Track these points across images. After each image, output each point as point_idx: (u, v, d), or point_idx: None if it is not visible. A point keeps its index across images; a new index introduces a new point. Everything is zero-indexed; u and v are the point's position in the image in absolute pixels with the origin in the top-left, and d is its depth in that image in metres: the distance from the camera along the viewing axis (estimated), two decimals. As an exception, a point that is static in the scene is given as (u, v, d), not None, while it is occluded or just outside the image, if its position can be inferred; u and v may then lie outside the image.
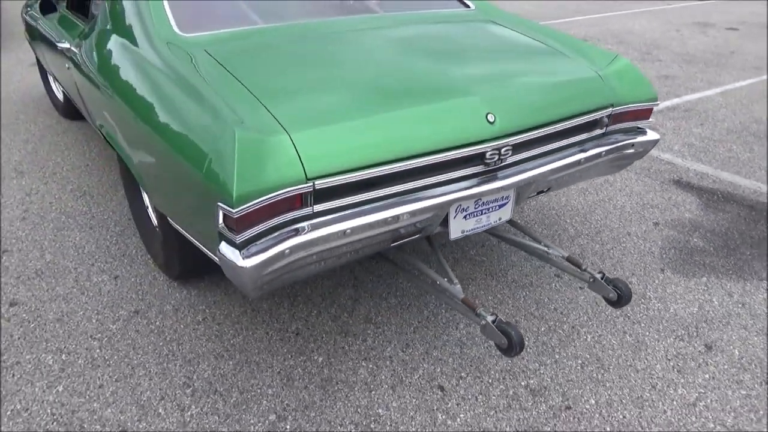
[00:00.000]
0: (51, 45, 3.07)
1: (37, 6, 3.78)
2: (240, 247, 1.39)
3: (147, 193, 1.92)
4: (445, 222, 1.80)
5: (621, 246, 2.68)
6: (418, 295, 2.31)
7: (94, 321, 2.16)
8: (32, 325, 2.13)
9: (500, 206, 1.91)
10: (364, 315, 2.20)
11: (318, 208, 1.50)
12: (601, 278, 1.93)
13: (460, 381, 1.90)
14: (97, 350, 2.02)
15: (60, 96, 4.31)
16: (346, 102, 1.61)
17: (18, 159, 3.61)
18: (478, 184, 1.74)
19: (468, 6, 2.59)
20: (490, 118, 1.72)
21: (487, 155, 1.72)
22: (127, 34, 2.02)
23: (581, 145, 2.02)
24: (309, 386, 1.87)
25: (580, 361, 1.99)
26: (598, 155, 2.02)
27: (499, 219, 1.93)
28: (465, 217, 1.83)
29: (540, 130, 1.83)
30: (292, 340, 2.07)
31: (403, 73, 1.82)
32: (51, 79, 4.39)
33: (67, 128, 4.14)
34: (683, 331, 2.14)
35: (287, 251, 1.42)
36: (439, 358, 1.99)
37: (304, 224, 1.47)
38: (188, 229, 1.72)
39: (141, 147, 1.80)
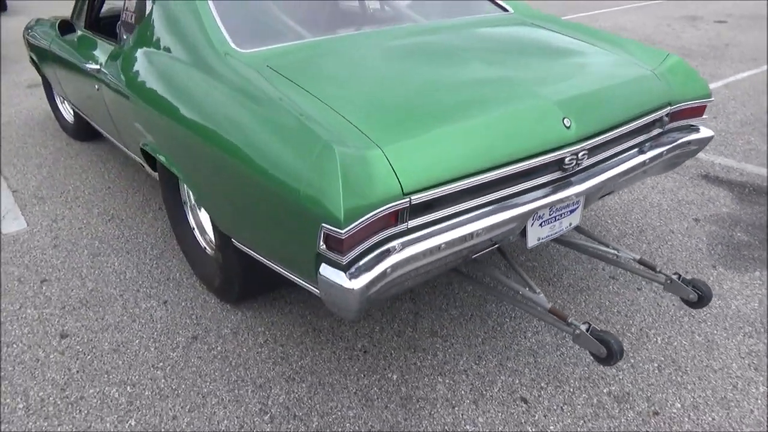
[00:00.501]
0: (72, 66, 3.00)
1: (46, 26, 3.69)
2: (345, 268, 1.35)
3: (214, 217, 1.86)
4: (522, 230, 1.77)
5: (668, 244, 2.68)
6: (477, 305, 2.28)
7: (152, 349, 2.09)
8: (88, 357, 2.06)
9: (571, 211, 1.89)
10: (428, 328, 2.16)
11: (412, 223, 1.46)
12: (679, 279, 1.91)
13: (542, 392, 1.87)
14: (162, 380, 1.95)
15: (70, 117, 4.22)
16: (426, 112, 1.58)
17: (35, 184, 3.51)
18: (558, 190, 1.72)
19: (506, 9, 2.58)
20: (567, 122, 1.70)
21: (566, 160, 1.70)
22: (178, 51, 1.96)
23: (643, 146, 2.01)
24: (389, 405, 1.83)
25: (656, 364, 1.97)
26: (660, 155, 2.01)
27: (570, 224, 1.91)
28: (541, 224, 1.80)
29: (610, 133, 1.82)
30: (361, 358, 2.02)
31: (471, 80, 1.79)
32: (59, 100, 4.29)
33: (80, 150, 4.04)
34: (750, 328, 2.13)
35: (389, 270, 1.38)
36: (514, 369, 1.96)
37: (398, 241, 1.43)
38: (266, 252, 1.67)
39: (207, 169, 1.75)
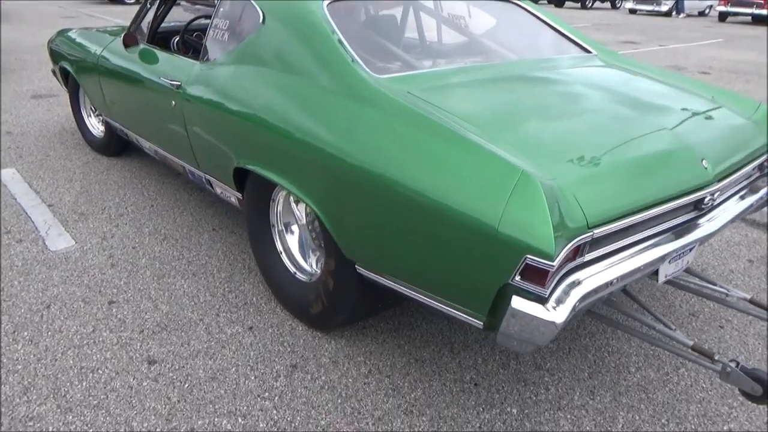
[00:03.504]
0: (134, 81, 2.91)
1: (89, 38, 3.58)
2: (544, 300, 1.33)
3: (344, 243, 1.80)
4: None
5: (733, 284, 2.75)
6: (572, 339, 2.27)
7: (252, 378, 2.00)
8: (186, 386, 1.95)
9: (690, 249, 1.92)
10: (531, 361, 2.14)
11: (588, 257, 1.46)
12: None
13: (664, 428, 1.86)
14: (274, 411, 1.86)
15: (97, 132, 4.08)
16: (586, 147, 1.59)
17: (71, 200, 3.35)
18: (694, 228, 1.75)
19: (589, 51, 2.65)
20: (705, 163, 1.75)
21: (705, 200, 1.74)
22: (307, 74, 1.93)
23: (749, 188, 2.08)
24: (518, 441, 1.79)
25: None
26: (762, 197, 2.09)
27: (687, 262, 1.94)
28: (669, 261, 1.83)
29: (734, 175, 1.88)
30: (474, 391, 1.98)
31: (607, 118, 1.82)
32: (85, 114, 4.15)
33: (108, 165, 3.90)
34: (837, 368, 2.20)
35: (577, 303, 1.37)
36: (630, 405, 1.95)
37: (582, 274, 1.43)
38: (419, 283, 1.62)
39: (351, 197, 1.69)
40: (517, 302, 1.35)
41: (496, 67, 2.15)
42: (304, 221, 2.31)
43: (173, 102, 2.56)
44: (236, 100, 2.13)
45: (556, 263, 1.27)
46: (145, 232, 2.99)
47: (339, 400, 1.91)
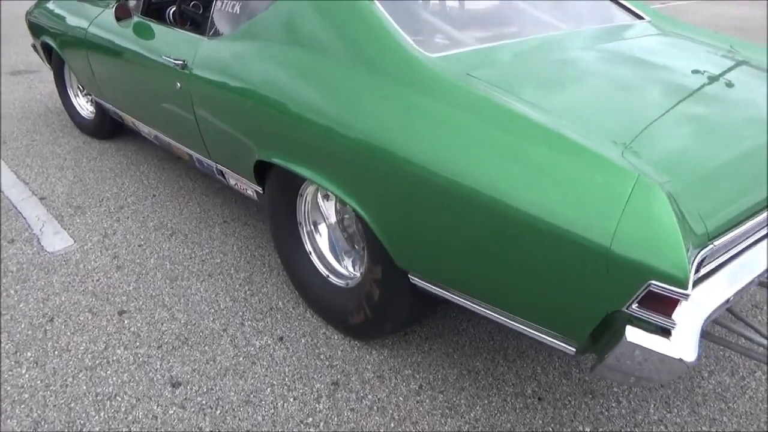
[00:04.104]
0: (129, 58, 2.59)
1: (73, 9, 3.23)
2: (665, 332, 1.11)
3: (397, 251, 1.56)
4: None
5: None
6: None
7: (291, 400, 1.78)
8: (218, 412, 1.73)
9: None
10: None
11: (702, 271, 1.24)
12: None
13: (753, 444, 1.69)
14: (320, 440, 1.65)
15: (87, 114, 3.75)
16: (690, 138, 1.36)
17: (64, 191, 3.07)
18: None
19: (642, 17, 2.38)
20: None
21: None
22: (346, 57, 1.65)
23: None
24: (598, 467, 1.60)
25: None
26: None
27: None
28: None
29: None
30: (539, 407, 1.79)
31: (704, 102, 1.57)
32: (72, 94, 3.81)
33: (101, 150, 3.59)
34: None
35: (701, 330, 1.15)
36: (711, 418, 1.77)
37: (695, 294, 1.21)
38: (497, 302, 1.40)
39: (414, 206, 1.43)
40: (633, 334, 1.13)
41: (555, 42, 1.88)
42: (333, 220, 2.07)
43: (178, 84, 2.27)
44: (259, 85, 1.85)
45: (689, 289, 1.05)
46: (150, 227, 2.73)
47: (392, 424, 1.71)
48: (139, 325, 2.09)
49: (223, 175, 2.39)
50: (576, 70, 1.64)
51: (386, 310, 1.78)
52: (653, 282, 1.07)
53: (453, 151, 1.33)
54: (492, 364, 1.94)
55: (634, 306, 1.12)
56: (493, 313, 1.43)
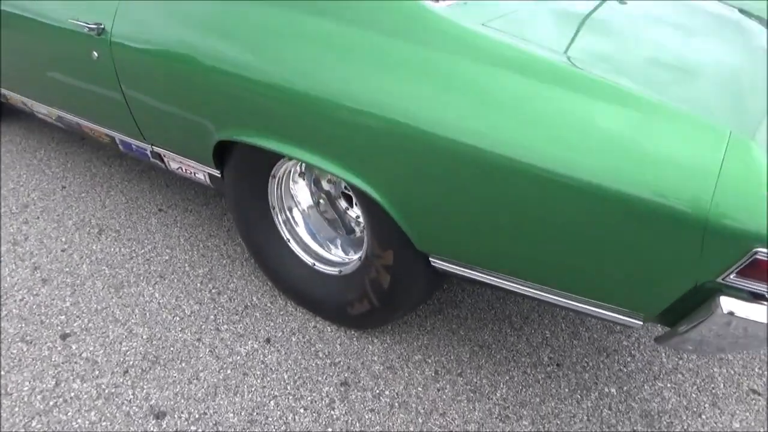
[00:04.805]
0: (18, 26, 2.10)
1: None
2: (763, 297, 1.04)
3: (419, 233, 1.37)
4: None
5: None
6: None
7: (301, 411, 1.58)
8: (221, 441, 1.49)
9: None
10: (602, 324, 1.91)
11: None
12: None
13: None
14: (348, 452, 1.47)
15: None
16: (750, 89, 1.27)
17: (-56, 192, 2.51)
18: None
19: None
20: None
21: None
22: (335, 9, 1.38)
23: None
24: (636, 428, 1.57)
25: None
26: None
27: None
28: None
29: None
30: (559, 373, 1.72)
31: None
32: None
33: (-22, 137, 2.99)
34: None
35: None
36: (720, 358, 1.80)
37: None
38: (549, 283, 1.26)
39: (450, 185, 1.23)
40: (729, 304, 1.04)
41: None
42: (309, 203, 1.83)
43: (95, 53, 1.85)
44: (216, 50, 1.52)
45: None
46: (70, 226, 2.30)
47: (420, 420, 1.56)
48: (91, 348, 1.75)
49: (160, 159, 2.03)
50: (599, 25, 1.50)
51: (398, 297, 1.59)
52: (759, 249, 0.98)
53: (500, 117, 1.14)
54: (501, 334, 1.85)
55: (732, 276, 1.03)
56: (540, 293, 1.30)
